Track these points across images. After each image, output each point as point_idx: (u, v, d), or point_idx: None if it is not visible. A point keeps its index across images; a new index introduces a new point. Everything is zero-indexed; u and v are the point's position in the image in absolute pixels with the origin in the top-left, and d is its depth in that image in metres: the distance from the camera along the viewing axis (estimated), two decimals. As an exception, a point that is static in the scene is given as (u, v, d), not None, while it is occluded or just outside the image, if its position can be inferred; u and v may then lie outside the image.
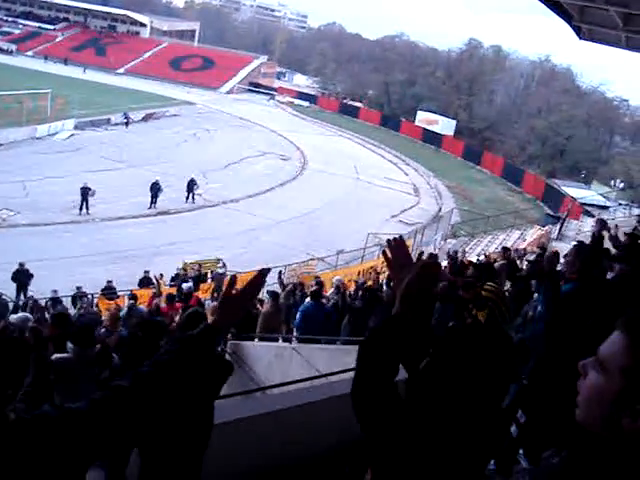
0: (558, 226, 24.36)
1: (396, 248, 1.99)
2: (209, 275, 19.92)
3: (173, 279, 18.62)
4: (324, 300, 11.36)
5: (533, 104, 73.47)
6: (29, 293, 17.66)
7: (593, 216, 29.35)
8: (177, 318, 10.25)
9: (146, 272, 18.59)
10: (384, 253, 2.03)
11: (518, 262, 12.90)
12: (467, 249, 25.39)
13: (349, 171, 43.59)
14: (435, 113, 70.25)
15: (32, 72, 59.95)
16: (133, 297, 13.03)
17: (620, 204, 37.65)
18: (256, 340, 10.99)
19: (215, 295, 16.28)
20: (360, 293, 11.47)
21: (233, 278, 1.94)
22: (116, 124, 46.22)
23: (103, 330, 7.64)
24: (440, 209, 36.38)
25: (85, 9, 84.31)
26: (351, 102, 78.16)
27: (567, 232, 23.81)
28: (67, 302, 16.12)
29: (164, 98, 59.41)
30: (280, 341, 10.94)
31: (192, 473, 2.70)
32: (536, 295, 5.64)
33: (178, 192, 30.34)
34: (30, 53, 75.79)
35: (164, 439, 2.48)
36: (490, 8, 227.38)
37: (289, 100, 75.59)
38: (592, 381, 1.23)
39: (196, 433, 2.66)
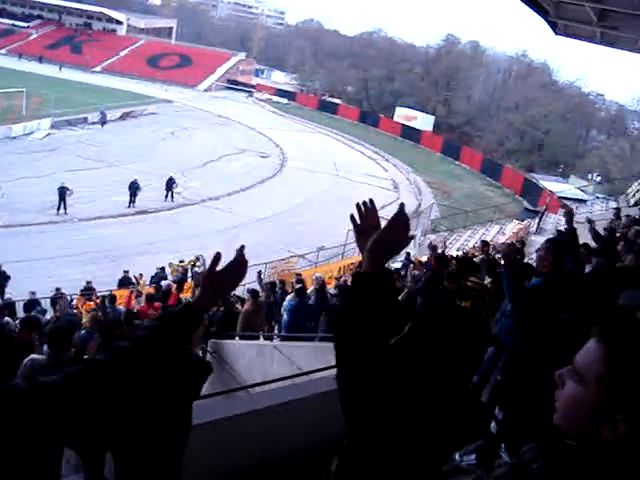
0: (537, 220, 24.58)
1: (366, 212, 1.91)
2: (189, 274, 19.83)
3: (153, 279, 18.49)
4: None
5: (511, 99, 73.98)
6: (6, 295, 17.45)
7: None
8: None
9: (126, 272, 18.45)
10: (352, 217, 1.92)
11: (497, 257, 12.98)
12: (447, 244, 25.52)
13: (329, 168, 43.58)
14: (414, 109, 70.36)
15: (6, 70, 58.95)
16: (112, 298, 12.89)
17: (597, 197, 38.07)
18: (237, 338, 10.96)
19: (194, 294, 16.15)
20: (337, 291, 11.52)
21: (217, 255, 1.84)
22: (93, 123, 45.71)
23: (83, 332, 7.53)
24: (420, 204, 36.48)
25: (59, 6, 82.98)
26: (330, 99, 78.06)
27: (546, 226, 24.03)
28: (46, 304, 15.96)
29: (142, 96, 58.85)
30: (261, 339, 10.92)
31: (171, 474, 2.68)
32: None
33: (157, 191, 30.16)
34: (3, 51, 74.53)
35: (139, 440, 2.46)
36: (467, 3, 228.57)
37: (268, 97, 75.27)
38: (570, 391, 1.20)
39: (173, 434, 2.64)
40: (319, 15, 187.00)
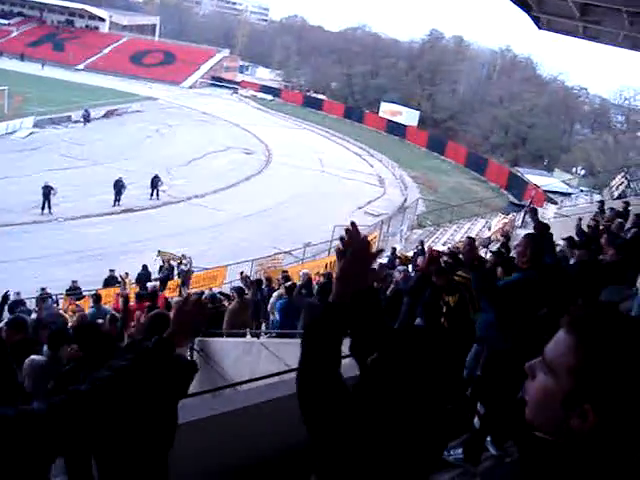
0: (522, 214, 24.71)
1: (349, 237, 1.81)
2: (175, 271, 19.79)
3: (138, 278, 18.39)
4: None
5: (495, 94, 74.14)
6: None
7: (556, 203, 29.87)
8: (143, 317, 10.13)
9: (112, 271, 18.36)
10: (340, 242, 1.83)
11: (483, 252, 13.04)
12: (433, 239, 25.63)
13: (314, 164, 43.56)
14: (398, 104, 70.41)
15: (-13, 69, 58.52)
16: (97, 297, 12.80)
17: (582, 191, 38.27)
18: (224, 336, 10.94)
19: (181, 292, 16.14)
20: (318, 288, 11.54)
21: (187, 297, 2.02)
22: (77, 121, 45.34)
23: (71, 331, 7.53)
24: (405, 199, 36.61)
25: (41, 3, 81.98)
26: (315, 95, 78.00)
27: (531, 220, 24.12)
28: (31, 304, 15.82)
29: (126, 94, 58.41)
30: (248, 336, 10.91)
31: (157, 473, 2.68)
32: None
33: (142, 189, 30.01)
34: (-17, 49, 73.88)
35: (124, 440, 2.46)
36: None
37: (252, 94, 75.01)
38: (540, 383, 1.21)
39: (159, 433, 2.64)
40: (303, 11, 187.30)
